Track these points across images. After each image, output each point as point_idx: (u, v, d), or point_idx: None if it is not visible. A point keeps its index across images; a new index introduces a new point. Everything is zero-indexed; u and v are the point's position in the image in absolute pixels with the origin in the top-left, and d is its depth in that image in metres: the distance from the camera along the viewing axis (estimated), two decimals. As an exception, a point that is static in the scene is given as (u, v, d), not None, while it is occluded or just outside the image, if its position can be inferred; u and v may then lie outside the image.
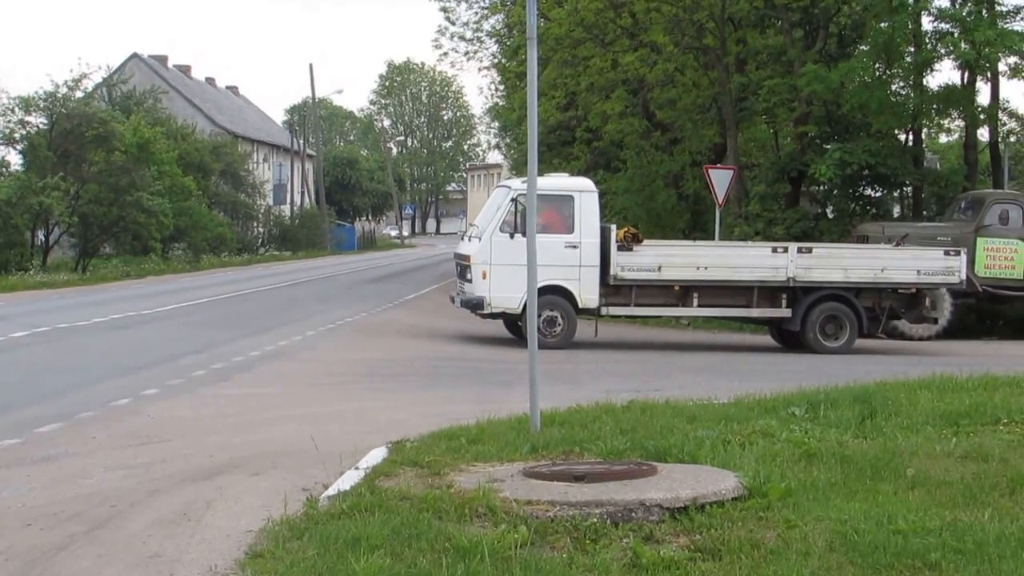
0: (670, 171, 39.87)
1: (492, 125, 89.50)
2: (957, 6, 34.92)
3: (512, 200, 25.24)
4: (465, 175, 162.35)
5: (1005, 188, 33.53)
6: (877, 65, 35.17)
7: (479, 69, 68.02)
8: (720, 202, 33.09)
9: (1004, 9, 34.48)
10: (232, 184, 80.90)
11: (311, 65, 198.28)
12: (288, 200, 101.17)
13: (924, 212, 36.52)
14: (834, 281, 26.16)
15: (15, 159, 59.80)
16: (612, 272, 25.39)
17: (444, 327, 28.67)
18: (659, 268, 25.66)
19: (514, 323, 26.30)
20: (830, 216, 37.46)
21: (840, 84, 33.48)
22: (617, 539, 8.40)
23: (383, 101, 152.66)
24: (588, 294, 25.37)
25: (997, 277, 30.03)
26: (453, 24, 46.36)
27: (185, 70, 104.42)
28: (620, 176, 42.46)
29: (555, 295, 24.99)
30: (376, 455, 11.36)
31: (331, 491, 9.88)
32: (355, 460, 11.27)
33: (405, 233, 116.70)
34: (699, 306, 26.45)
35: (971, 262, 29.77)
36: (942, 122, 39.44)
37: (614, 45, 37.39)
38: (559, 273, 24.86)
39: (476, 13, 44.84)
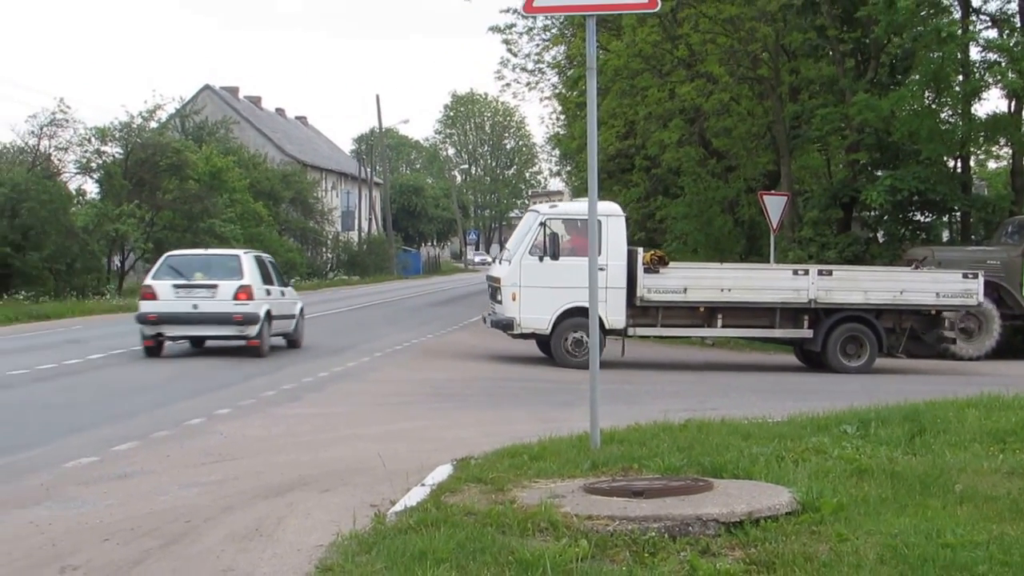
0: (726, 197, 39.85)
1: (553, 153, 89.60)
2: (1004, 37, 34.81)
3: (541, 224, 25.85)
4: (527, 202, 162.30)
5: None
6: (927, 94, 35.08)
7: (540, 99, 68.48)
8: (775, 227, 33.10)
9: (1052, 39, 34.36)
10: (301, 211, 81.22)
11: (377, 96, 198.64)
12: (356, 226, 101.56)
13: (972, 236, 36.34)
14: (854, 303, 26.33)
15: (92, 188, 60.25)
16: (639, 294, 25.70)
17: (507, 348, 28.71)
18: (685, 290, 25.92)
19: (545, 343, 26.60)
20: (881, 241, 37.33)
21: (891, 112, 33.38)
22: (675, 552, 8.40)
23: (447, 130, 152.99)
24: (615, 315, 25.55)
25: (1044, 299, 29.88)
26: (515, 56, 46.51)
27: (255, 101, 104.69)
28: (679, 202, 42.47)
29: (583, 317, 24.42)
30: (441, 472, 11.40)
31: (398, 507, 9.91)
32: (421, 477, 11.31)
33: (477, 259, 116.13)
34: (723, 326, 26.60)
35: (1019, 284, 29.65)
36: (990, 149, 39.31)
37: (671, 76, 37.43)
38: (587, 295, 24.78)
39: (537, 45, 45.01)
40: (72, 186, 58.71)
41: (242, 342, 26.09)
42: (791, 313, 26.29)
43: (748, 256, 38.25)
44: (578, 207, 27.02)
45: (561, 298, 25.25)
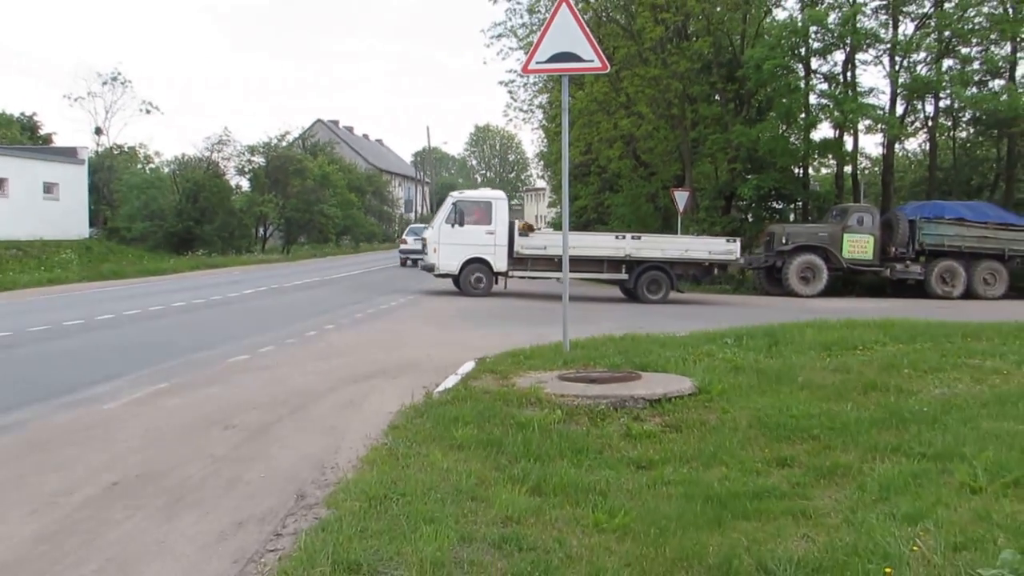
0: (649, 191, 39.64)
1: (539, 164, 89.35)
2: (831, 87, 34.69)
3: (453, 204, 26.60)
4: (522, 195, 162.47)
5: (861, 202, 33.20)
6: (781, 126, 34.97)
7: (532, 128, 68.19)
8: (681, 211, 33.09)
9: (862, 90, 34.28)
10: (379, 199, 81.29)
11: (428, 127, 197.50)
12: (413, 209, 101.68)
13: (809, 217, 36.17)
14: (655, 257, 26.42)
15: (244, 184, 60.59)
16: (516, 249, 26.13)
17: (512, 289, 28.66)
18: (545, 247, 26.09)
19: (456, 280, 26.78)
20: (750, 220, 37.21)
21: (757, 137, 33.28)
22: (617, 419, 8.43)
23: (473, 148, 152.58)
24: (500, 263, 26.33)
25: (856, 259, 29.80)
26: (515, 100, 46.71)
27: (350, 129, 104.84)
28: (619, 195, 42.36)
29: (480, 263, 26.34)
30: (467, 366, 11.40)
31: (440, 388, 9.93)
32: (454, 369, 11.32)
33: None
34: (571, 271, 26.18)
35: (839, 249, 29.63)
36: (822, 160, 39.17)
37: (615, 114, 37.14)
38: (482, 250, 26.25)
39: (530, 93, 44.74)
40: (232, 182, 58.87)
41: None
42: (615, 263, 26.44)
43: (663, 230, 38.10)
44: (479, 193, 28.70)
45: (465, 252, 26.18)
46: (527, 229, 27.13)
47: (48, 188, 40.66)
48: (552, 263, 25.96)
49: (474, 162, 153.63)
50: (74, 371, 12.34)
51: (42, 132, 64.53)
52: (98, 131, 58.70)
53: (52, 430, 8.68)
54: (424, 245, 27.53)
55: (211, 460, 7.46)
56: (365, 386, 10.83)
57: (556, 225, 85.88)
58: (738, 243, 27.41)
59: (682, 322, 17.90)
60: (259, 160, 58.49)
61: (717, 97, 36.58)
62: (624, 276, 26.55)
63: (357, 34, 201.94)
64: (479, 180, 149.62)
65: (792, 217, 38.01)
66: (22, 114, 66.31)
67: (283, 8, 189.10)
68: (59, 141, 60.00)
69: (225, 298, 24.01)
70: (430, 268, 26.83)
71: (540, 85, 43.16)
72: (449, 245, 26.25)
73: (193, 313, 20.71)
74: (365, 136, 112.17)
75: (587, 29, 11.69)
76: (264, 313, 20.63)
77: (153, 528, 5.81)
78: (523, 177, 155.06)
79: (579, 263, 25.68)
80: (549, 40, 11.64)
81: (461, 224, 26.22)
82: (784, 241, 29.82)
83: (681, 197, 33.23)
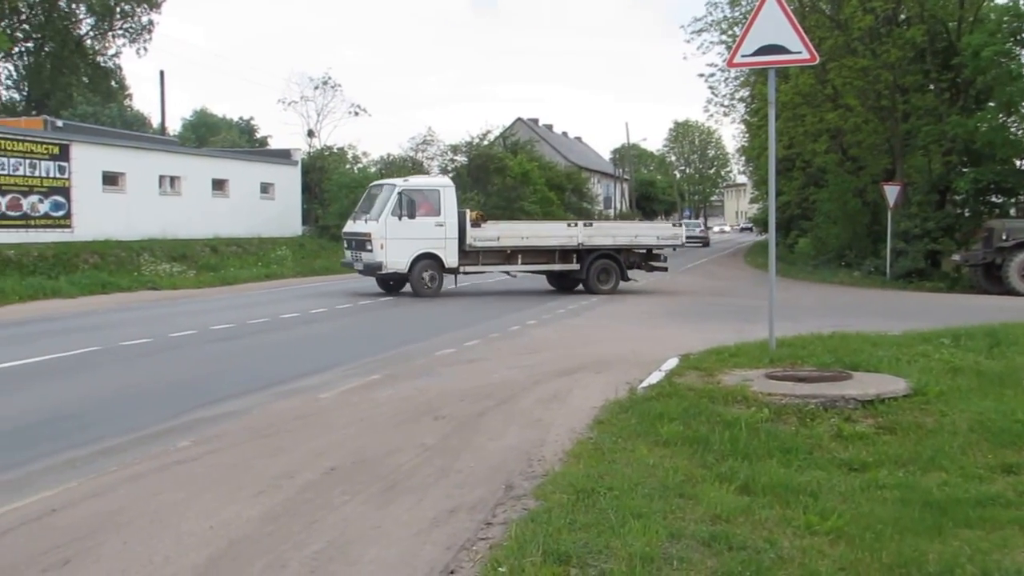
0: (856, 186, 38.33)
1: (739, 159, 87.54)
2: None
3: (398, 194, 23.73)
4: (722, 191, 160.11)
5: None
6: (1001, 116, 33.08)
7: (732, 123, 67.40)
8: (891, 206, 31.91)
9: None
10: (577, 196, 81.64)
11: (627, 124, 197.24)
12: (612, 206, 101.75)
13: (1031, 212, 34.19)
14: (606, 245, 25.44)
15: (448, 182, 62.02)
16: (468, 242, 24.20)
17: (711, 285, 28.32)
18: (498, 238, 24.65)
19: (385, 281, 24.86)
20: (967, 215, 35.40)
21: (975, 128, 31.62)
22: (827, 419, 8.16)
23: (671, 144, 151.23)
24: (451, 258, 24.13)
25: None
26: (716, 95, 45.70)
27: (549, 126, 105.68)
28: (824, 190, 41.21)
29: (430, 259, 23.93)
30: (671, 362, 11.29)
31: (644, 384, 9.87)
32: (658, 365, 11.23)
33: (697, 230, 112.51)
34: (522, 263, 25.23)
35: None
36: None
37: (821, 107, 36.14)
38: (432, 244, 23.85)
39: (731, 87, 44.01)
40: (435, 181, 60.26)
41: None
42: (566, 253, 25.23)
43: (872, 226, 36.74)
44: (425, 180, 26.98)
45: (415, 247, 23.67)
46: (479, 219, 25.04)
47: (265, 188, 42.70)
48: (504, 256, 24.98)
49: (673, 158, 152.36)
50: (291, 362, 12.96)
51: (258, 135, 68.11)
52: (310, 133, 61.37)
53: (273, 417, 9.13)
54: (360, 242, 24.18)
55: (422, 449, 7.67)
56: (568, 380, 10.89)
57: (757, 221, 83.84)
58: (683, 228, 27.33)
59: (894, 321, 17.16)
60: (461, 159, 59.82)
61: (931, 87, 34.99)
62: (576, 266, 25.44)
63: (557, 31, 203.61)
64: (677, 176, 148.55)
65: (1013, 212, 35.90)
66: (240, 118, 70.13)
67: (484, 9, 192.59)
68: (274, 144, 63.15)
69: (455, 289, 24.86)
70: (375, 268, 23.84)
71: (742, 79, 42.41)
72: (397, 240, 23.48)
73: (401, 307, 21.34)
74: (564, 134, 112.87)
75: (795, 20, 11.38)
76: (473, 309, 21.05)
77: (369, 513, 6.02)
78: (723, 173, 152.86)
79: (531, 254, 24.94)
80: (755, 32, 11.37)
81: (411, 216, 23.60)
82: (1004, 237, 28.13)
83: (891, 191, 32.05)
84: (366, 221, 24.01)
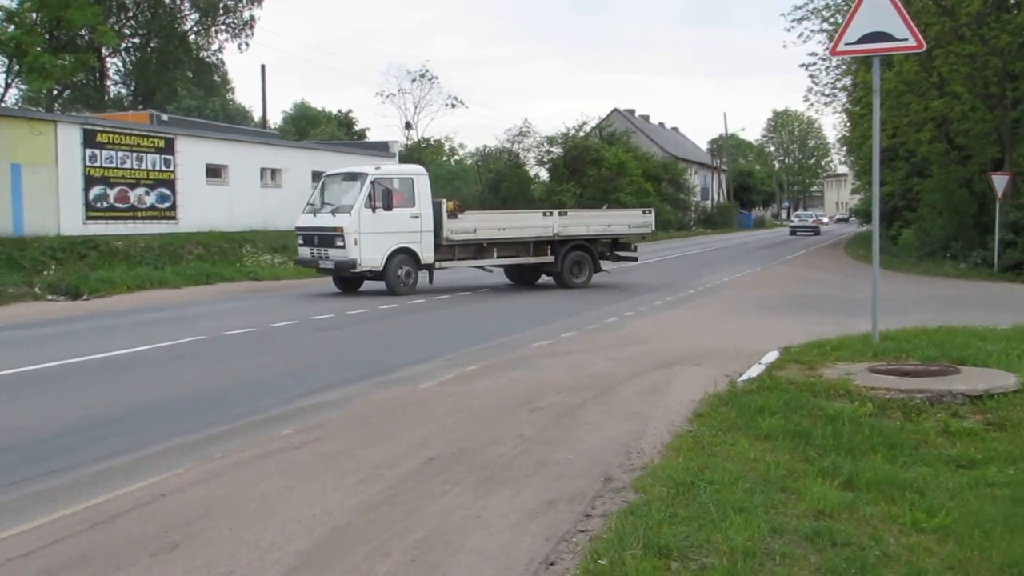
0: (964, 176, 37.26)
1: (840, 149, 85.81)
2: None
3: (371, 183, 21.53)
4: (822, 182, 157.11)
5: None
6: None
7: (834, 112, 65.98)
8: (999, 197, 30.99)
9: None
10: (675, 188, 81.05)
11: (724, 113, 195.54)
12: (710, 197, 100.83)
13: None
14: (580, 235, 24.42)
15: (543, 174, 62.15)
16: (444, 235, 22.40)
17: (812, 276, 27.82)
18: (475, 230, 23.05)
19: (343, 279, 22.80)
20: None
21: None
22: (933, 415, 7.97)
23: (770, 135, 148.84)
24: (427, 253, 22.23)
25: None
26: (817, 84, 44.92)
27: (645, 117, 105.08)
28: (929, 180, 40.17)
29: (406, 254, 21.96)
30: (771, 355, 11.13)
31: (744, 377, 9.76)
32: (758, 358, 11.08)
33: (795, 220, 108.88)
34: (498, 257, 23.80)
35: None
36: None
37: (926, 95, 35.21)
38: (407, 238, 21.86)
39: (832, 76, 43.15)
40: (531, 172, 60.55)
41: None
42: (541, 245, 23.94)
43: (979, 216, 35.66)
44: (396, 169, 25.27)
45: (390, 241, 21.60)
46: (456, 209, 23.22)
47: (364, 180, 43.30)
48: (481, 249, 23.58)
49: (772, 148, 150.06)
50: (390, 352, 13.15)
51: (356, 128, 69.05)
52: (408, 125, 62.23)
53: (373, 406, 9.28)
54: (329, 237, 21.87)
55: (520, 440, 7.71)
56: (667, 373, 10.83)
57: (858, 212, 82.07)
58: (652, 215, 26.46)
59: (1003, 314, 16.66)
60: (557, 150, 59.99)
61: (1042, 73, 33.85)
62: (551, 259, 24.15)
63: (654, 21, 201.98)
64: (776, 166, 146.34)
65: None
66: (339, 111, 71.11)
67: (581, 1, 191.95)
68: (372, 136, 63.92)
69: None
70: (348, 266, 21.65)
71: (843, 67, 41.53)
72: (371, 234, 21.44)
73: (497, 299, 21.46)
74: (661, 124, 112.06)
75: (900, 6, 11.10)
76: (571, 301, 21.04)
77: (469, 503, 6.07)
78: (823, 163, 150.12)
79: (506, 247, 23.73)
80: (859, 19, 11.11)
81: (387, 208, 21.55)
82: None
83: (1000, 182, 31.14)
84: (334, 214, 21.93)
